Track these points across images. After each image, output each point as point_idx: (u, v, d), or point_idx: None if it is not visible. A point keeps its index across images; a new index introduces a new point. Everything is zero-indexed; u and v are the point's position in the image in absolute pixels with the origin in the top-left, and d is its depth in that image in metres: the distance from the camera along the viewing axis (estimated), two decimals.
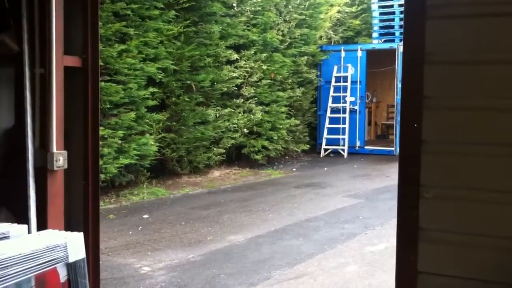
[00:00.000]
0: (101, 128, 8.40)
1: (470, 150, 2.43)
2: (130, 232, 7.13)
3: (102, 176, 8.52)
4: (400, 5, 14.50)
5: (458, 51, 2.43)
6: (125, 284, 5.30)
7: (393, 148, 14.37)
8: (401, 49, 13.75)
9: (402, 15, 14.35)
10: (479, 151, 2.41)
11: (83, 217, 3.45)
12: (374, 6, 15.29)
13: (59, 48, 3.32)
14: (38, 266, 2.42)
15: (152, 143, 9.62)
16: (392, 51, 14.44)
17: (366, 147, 15.15)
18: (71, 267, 2.62)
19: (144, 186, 9.75)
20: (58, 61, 3.30)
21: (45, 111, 3.27)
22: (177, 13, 10.21)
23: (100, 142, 8.34)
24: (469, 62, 2.41)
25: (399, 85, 13.91)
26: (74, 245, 2.68)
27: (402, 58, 2.55)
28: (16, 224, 2.68)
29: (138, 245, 6.57)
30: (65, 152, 3.33)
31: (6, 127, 3.42)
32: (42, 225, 3.11)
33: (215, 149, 11.44)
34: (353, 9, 16.52)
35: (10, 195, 3.14)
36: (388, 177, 11.30)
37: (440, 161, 2.47)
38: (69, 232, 2.84)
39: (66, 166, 3.34)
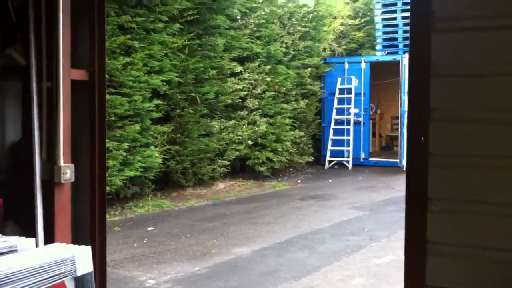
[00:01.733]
0: (106, 140, 8.42)
1: (478, 163, 2.42)
2: (136, 245, 7.11)
3: (107, 188, 8.50)
4: (403, 18, 14.53)
5: (464, 64, 2.43)
6: None
7: (397, 160, 14.35)
8: (405, 61, 13.78)
9: (405, 27, 14.43)
10: (487, 164, 2.40)
11: (90, 230, 3.45)
12: (377, 19, 15.33)
13: (66, 62, 3.34)
14: (46, 280, 2.43)
15: (157, 155, 9.63)
16: (396, 63, 14.46)
17: (370, 159, 15.13)
18: (79, 281, 2.63)
19: (149, 198, 9.75)
20: (65, 74, 3.32)
21: (52, 124, 3.29)
22: (182, 26, 10.26)
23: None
24: (475, 74, 2.41)
25: (403, 97, 13.94)
26: (82, 258, 2.68)
27: (408, 70, 2.55)
28: (23, 238, 2.69)
29: (143, 257, 6.55)
30: (72, 165, 3.34)
31: (14, 140, 3.44)
32: (49, 238, 3.12)
33: (219, 161, 11.44)
34: (356, 21, 16.58)
35: (18, 208, 3.15)
36: (393, 189, 11.28)
37: (447, 174, 2.46)
38: (77, 246, 2.85)
39: (73, 179, 3.35)
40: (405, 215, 2.56)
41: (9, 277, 2.26)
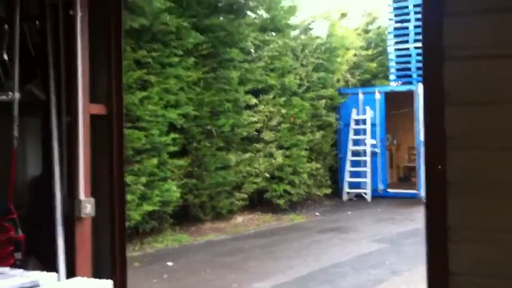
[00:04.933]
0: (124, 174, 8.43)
1: (497, 191, 2.37)
2: (155, 280, 7.04)
3: (126, 223, 8.48)
4: (416, 47, 14.55)
5: (477, 91, 2.41)
6: None
7: (416, 191, 14.18)
8: (419, 90, 13.73)
9: (418, 57, 14.43)
10: (507, 191, 2.35)
11: (110, 265, 3.41)
12: (390, 49, 15.35)
13: (85, 97, 3.36)
14: None
15: (175, 189, 9.61)
16: (410, 93, 14.42)
17: (389, 190, 14.97)
18: None
19: (168, 232, 9.70)
20: (84, 109, 3.34)
21: (72, 159, 3.29)
22: (196, 60, 10.34)
23: None
24: (489, 102, 2.39)
25: (419, 127, 13.86)
26: None
27: (423, 99, 2.53)
28: (45, 272, 2.66)
29: None
30: (92, 200, 3.33)
31: (35, 175, 3.44)
32: (70, 273, 3.09)
33: (237, 194, 11.39)
34: (369, 52, 16.62)
35: (39, 243, 3.13)
36: (412, 221, 11.10)
37: (467, 203, 2.42)
38: (98, 280, 2.81)
39: (93, 214, 3.33)
40: (426, 245, 2.50)
41: None
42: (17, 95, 3.09)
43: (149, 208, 9.00)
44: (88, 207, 3.28)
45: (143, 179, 8.93)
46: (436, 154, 2.46)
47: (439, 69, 2.44)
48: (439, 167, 2.44)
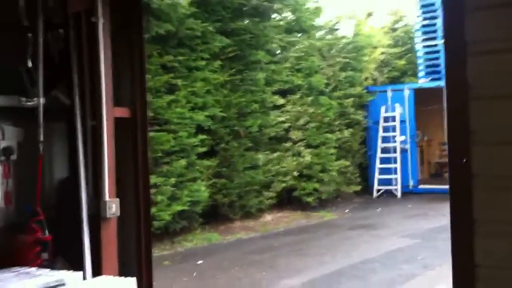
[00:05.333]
0: (153, 176, 8.59)
1: None
2: (185, 279, 7.15)
3: (156, 223, 8.64)
4: None
5: (501, 85, 2.41)
6: None
7: (447, 186, 13.99)
8: None
9: None
10: None
11: (136, 263, 3.51)
12: (418, 46, 15.23)
13: (109, 101, 3.46)
14: None
15: (204, 189, 9.73)
16: (439, 89, 14.26)
17: (419, 186, 14.85)
18: None
19: (198, 232, 9.81)
20: (108, 113, 3.43)
21: (97, 161, 3.39)
22: (223, 63, 10.44)
23: (153, 190, 8.58)
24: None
25: None
26: None
27: (447, 93, 2.53)
28: (71, 272, 2.76)
29: None
30: (117, 200, 3.42)
31: (61, 178, 3.56)
32: (96, 272, 3.19)
33: (266, 193, 11.46)
34: (397, 49, 16.51)
35: (66, 244, 3.24)
36: (444, 216, 10.95)
37: (493, 195, 2.41)
38: (122, 278, 2.90)
39: (118, 213, 3.43)
40: (451, 239, 2.51)
41: None
42: (42, 100, 3.20)
43: (179, 208, 9.13)
44: (113, 207, 3.38)
45: (172, 180, 9.07)
46: (460, 147, 2.46)
47: (463, 63, 2.43)
48: (464, 159, 2.44)
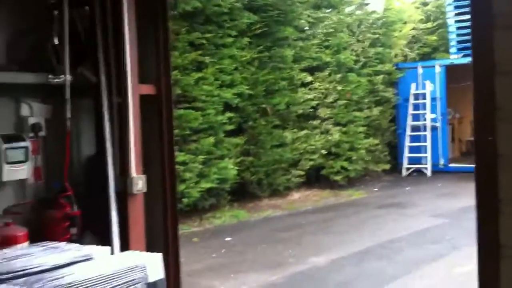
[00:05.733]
0: (181, 153, 8.65)
1: None
2: (214, 255, 7.23)
3: (185, 200, 8.73)
4: None
5: None
6: None
7: None
8: None
9: None
10: None
11: (163, 238, 3.55)
12: (450, 21, 14.90)
13: (134, 78, 3.47)
14: (119, 286, 2.51)
15: (232, 166, 9.77)
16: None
17: (450, 165, 14.66)
18: (151, 287, 2.70)
19: (226, 209, 9.89)
20: (134, 90, 3.45)
21: (123, 138, 3.42)
22: (250, 40, 10.40)
23: (181, 167, 8.65)
24: None
25: None
26: (153, 265, 2.76)
27: (473, 70, 2.47)
28: (99, 246, 2.80)
29: (221, 267, 6.65)
30: (144, 176, 3.45)
31: (89, 155, 3.60)
32: (124, 247, 3.23)
33: (293, 171, 11.45)
34: (429, 25, 16.18)
35: (94, 219, 3.29)
36: (474, 195, 10.85)
37: None
38: (148, 253, 2.93)
39: (145, 190, 3.46)
40: (476, 218, 2.47)
41: (83, 283, 2.37)
42: (68, 77, 3.23)
43: (207, 185, 9.20)
44: (139, 183, 3.40)
45: (200, 158, 9.12)
46: (486, 125, 2.41)
47: (489, 38, 2.38)
48: (490, 138, 2.40)
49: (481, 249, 2.48)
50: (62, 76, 3.23)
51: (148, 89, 3.61)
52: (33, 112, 3.34)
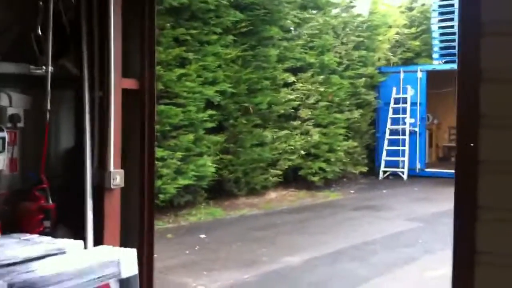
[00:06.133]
0: (160, 149, 8.61)
1: None
2: (187, 252, 7.21)
3: (161, 196, 8.68)
4: None
5: None
6: None
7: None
8: None
9: None
10: None
11: (138, 234, 3.53)
12: (434, 27, 15.06)
13: (118, 72, 3.44)
14: (91, 281, 2.50)
15: (210, 164, 9.75)
16: (453, 72, 14.03)
17: (427, 170, 14.82)
18: (124, 283, 2.69)
19: (202, 206, 9.87)
20: (116, 84, 3.42)
21: (103, 132, 3.39)
22: (235, 38, 10.39)
23: (160, 163, 8.61)
24: None
25: None
26: (127, 261, 2.75)
27: (458, 76, 2.50)
28: (72, 240, 2.78)
29: (194, 264, 6.64)
30: (122, 171, 3.43)
31: (67, 147, 3.56)
32: (98, 242, 3.21)
33: (272, 170, 11.48)
34: (413, 30, 16.34)
35: (70, 213, 3.26)
36: (449, 200, 10.88)
37: (498, 182, 2.40)
38: (122, 248, 2.92)
39: (123, 185, 3.44)
40: (453, 224, 2.50)
41: (54, 277, 2.35)
42: (50, 69, 3.19)
43: (184, 182, 9.17)
44: (117, 178, 3.38)
45: (179, 154, 9.09)
46: (469, 131, 2.44)
47: (477, 45, 2.41)
48: (471, 144, 2.42)
49: (457, 255, 2.50)
50: (44, 67, 3.20)
51: (131, 84, 3.58)
52: (12, 102, 3.30)
